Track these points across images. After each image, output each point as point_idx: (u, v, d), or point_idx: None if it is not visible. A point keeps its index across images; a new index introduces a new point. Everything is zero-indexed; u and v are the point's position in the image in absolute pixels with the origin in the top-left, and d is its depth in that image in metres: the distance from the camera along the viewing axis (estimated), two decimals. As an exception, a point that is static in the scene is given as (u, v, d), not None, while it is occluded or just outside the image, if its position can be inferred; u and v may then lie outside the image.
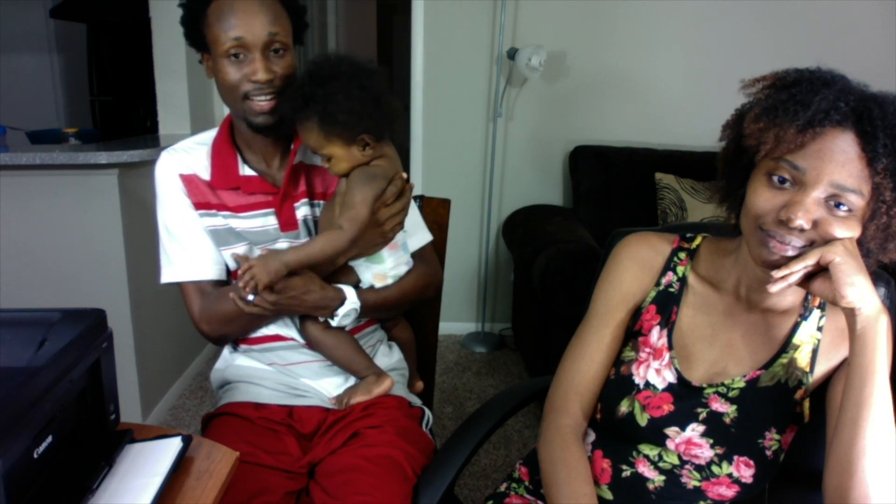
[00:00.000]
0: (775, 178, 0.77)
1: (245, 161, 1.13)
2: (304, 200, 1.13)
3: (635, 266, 0.97)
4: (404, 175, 1.09)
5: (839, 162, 0.73)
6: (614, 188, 2.77)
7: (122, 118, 4.28)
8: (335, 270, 1.11)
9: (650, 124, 2.93)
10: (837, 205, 0.74)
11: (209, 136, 1.16)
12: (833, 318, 0.89)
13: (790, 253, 0.77)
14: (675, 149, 2.84)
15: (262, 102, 1.03)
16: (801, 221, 0.74)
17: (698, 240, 0.98)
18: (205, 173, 1.12)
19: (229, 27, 0.99)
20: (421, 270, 1.20)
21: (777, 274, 0.76)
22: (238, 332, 1.16)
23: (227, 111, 1.14)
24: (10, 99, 4.03)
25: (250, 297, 1.00)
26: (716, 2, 2.78)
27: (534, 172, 3.00)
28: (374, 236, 1.07)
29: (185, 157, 1.13)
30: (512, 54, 2.72)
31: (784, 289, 0.78)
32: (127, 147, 2.03)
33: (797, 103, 0.74)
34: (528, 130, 2.95)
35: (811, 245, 0.76)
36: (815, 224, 0.75)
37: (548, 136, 2.96)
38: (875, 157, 0.72)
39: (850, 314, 0.76)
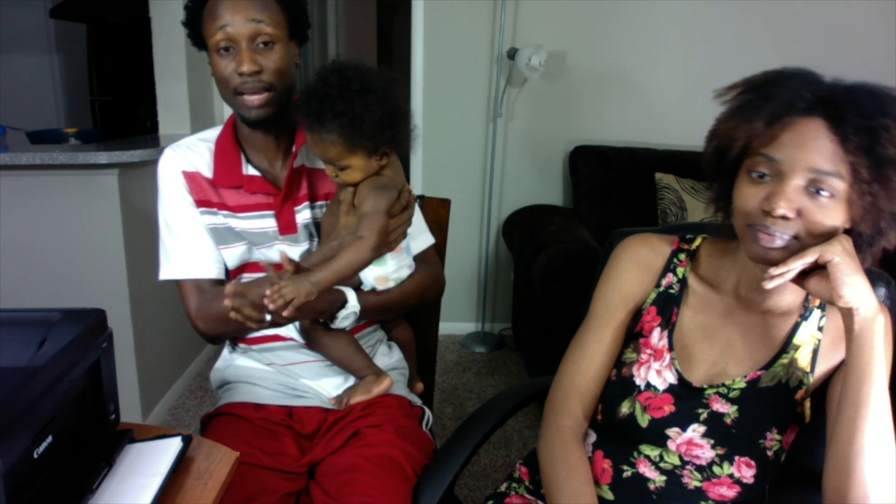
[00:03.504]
0: (755, 174, 0.79)
1: (248, 160, 1.13)
2: (306, 204, 1.13)
3: (635, 267, 0.97)
4: (411, 187, 1.10)
5: (811, 148, 0.74)
6: (614, 188, 2.77)
7: (122, 118, 4.28)
8: None
9: (650, 124, 2.93)
10: (818, 191, 0.75)
11: (213, 133, 1.16)
12: (833, 319, 0.89)
13: (778, 243, 0.77)
14: (675, 149, 2.84)
15: (252, 97, 1.02)
16: (783, 210, 0.75)
17: (698, 241, 0.98)
18: (207, 171, 1.12)
19: (216, 18, 1.01)
20: (423, 273, 1.20)
21: (774, 271, 0.76)
22: (234, 331, 1.15)
23: (227, 111, 1.14)
24: (10, 99, 4.03)
25: (268, 318, 0.96)
26: (716, 2, 2.78)
27: (534, 172, 3.00)
28: (381, 245, 1.07)
29: (189, 154, 1.13)
30: (512, 54, 2.72)
31: (780, 285, 0.78)
32: (127, 147, 2.03)
33: (762, 98, 0.78)
34: (528, 130, 2.95)
35: (798, 238, 0.77)
36: (800, 213, 0.76)
37: (548, 136, 2.96)
38: (845, 138, 0.73)
39: (848, 314, 0.76)
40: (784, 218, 0.76)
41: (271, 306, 0.93)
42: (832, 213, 0.75)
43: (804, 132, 0.75)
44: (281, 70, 1.04)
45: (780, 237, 0.77)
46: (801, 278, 0.78)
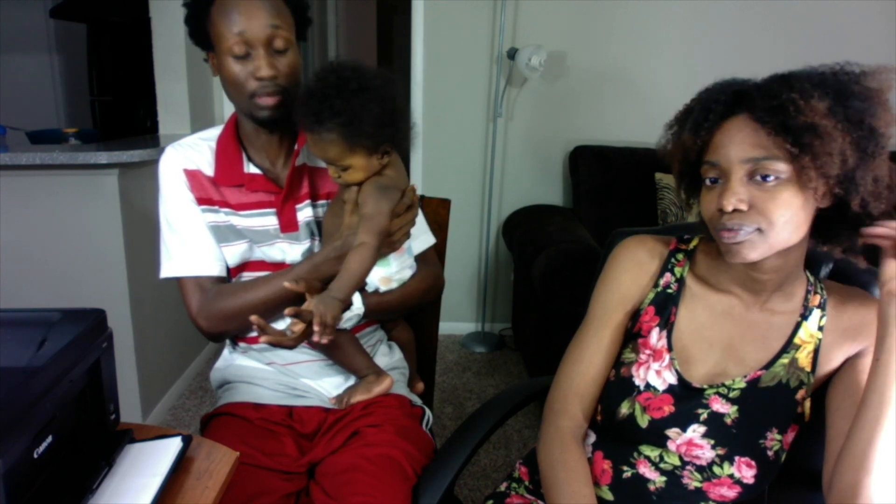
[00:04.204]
0: (708, 182, 0.84)
1: (250, 159, 1.13)
2: (308, 202, 1.13)
3: (633, 268, 0.97)
4: (414, 186, 1.10)
5: (740, 140, 0.79)
6: (614, 188, 2.77)
7: (122, 118, 4.28)
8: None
9: (650, 124, 2.91)
10: (764, 177, 0.78)
11: (214, 132, 1.17)
12: (834, 319, 0.89)
13: (741, 237, 0.79)
14: (676, 149, 2.84)
15: (268, 99, 1.03)
16: (733, 204, 0.78)
17: (695, 241, 0.98)
18: (209, 169, 1.12)
19: (232, 23, 1.00)
20: (424, 274, 1.20)
21: (881, 224, 0.77)
22: (236, 330, 1.16)
23: (227, 112, 1.14)
24: (10, 99, 4.03)
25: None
26: (716, 2, 2.78)
27: (534, 172, 3.00)
28: (382, 245, 1.07)
29: (190, 153, 1.13)
30: (512, 54, 2.72)
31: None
32: (127, 147, 2.03)
33: (685, 114, 0.86)
34: (528, 130, 2.95)
35: (762, 230, 0.78)
36: (753, 205, 0.78)
37: (548, 136, 2.96)
38: (763, 122, 0.77)
39: (890, 303, 0.76)
40: (737, 211, 0.78)
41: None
42: (784, 196, 0.77)
43: (731, 130, 0.80)
44: (295, 73, 1.05)
45: (741, 231, 0.79)
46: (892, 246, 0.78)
